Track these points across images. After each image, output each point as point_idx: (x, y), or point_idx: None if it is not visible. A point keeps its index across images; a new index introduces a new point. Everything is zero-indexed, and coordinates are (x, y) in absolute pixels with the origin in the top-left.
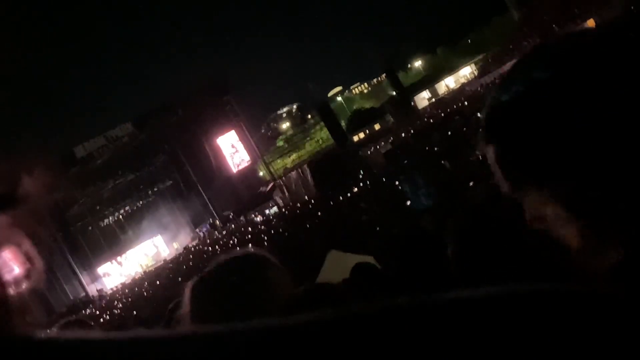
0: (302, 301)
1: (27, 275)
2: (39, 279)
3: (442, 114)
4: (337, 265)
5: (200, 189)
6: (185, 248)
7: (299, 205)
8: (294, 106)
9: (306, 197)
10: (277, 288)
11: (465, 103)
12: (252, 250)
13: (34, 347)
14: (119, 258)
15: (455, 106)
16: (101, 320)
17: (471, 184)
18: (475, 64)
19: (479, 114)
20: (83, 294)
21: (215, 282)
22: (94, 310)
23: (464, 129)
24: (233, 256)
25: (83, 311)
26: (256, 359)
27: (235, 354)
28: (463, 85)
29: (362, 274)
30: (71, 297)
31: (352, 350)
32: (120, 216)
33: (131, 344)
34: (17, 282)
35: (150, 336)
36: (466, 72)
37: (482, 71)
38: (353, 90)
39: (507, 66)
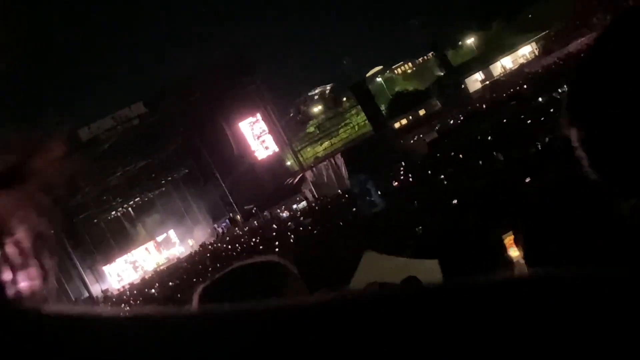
0: None
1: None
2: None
3: (497, 99)
4: (373, 268)
5: (219, 179)
6: (201, 245)
7: (330, 199)
8: (328, 87)
9: (339, 191)
10: (291, 297)
11: (525, 86)
12: (271, 258)
13: (39, 320)
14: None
15: (512, 90)
16: None
17: (528, 179)
18: (536, 42)
19: (540, 99)
20: (86, 294)
21: (225, 291)
22: None
23: (522, 116)
24: (248, 264)
25: None
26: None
27: (243, 334)
28: (522, 66)
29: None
30: (73, 298)
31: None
32: (129, 208)
33: (138, 321)
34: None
35: (157, 314)
36: (525, 51)
37: (544, 50)
38: (395, 71)
39: (574, 45)
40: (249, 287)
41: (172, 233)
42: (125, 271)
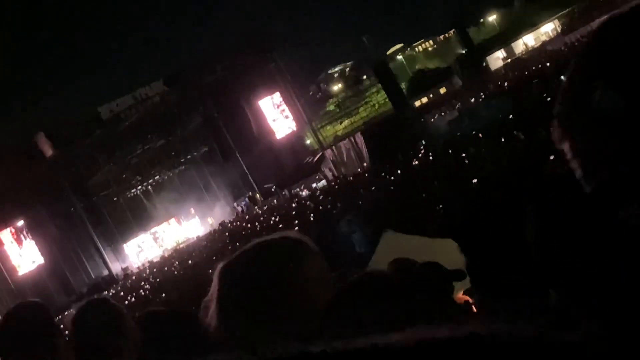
0: (353, 292)
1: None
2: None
3: (519, 77)
4: (393, 248)
5: (238, 157)
6: (220, 224)
7: (350, 178)
8: (348, 65)
9: (359, 170)
10: (313, 276)
11: (547, 64)
12: (289, 233)
13: None
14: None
15: (534, 68)
16: (126, 302)
17: (552, 157)
18: (559, 19)
19: (562, 77)
20: (106, 272)
21: (244, 269)
22: (118, 290)
23: (544, 94)
24: (267, 240)
25: (106, 292)
26: None
27: None
28: (544, 44)
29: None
30: (93, 276)
31: None
32: (149, 186)
33: None
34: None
35: None
36: (548, 28)
37: (567, 28)
38: (416, 48)
39: (597, 23)
40: (269, 265)
41: (192, 211)
42: (144, 242)
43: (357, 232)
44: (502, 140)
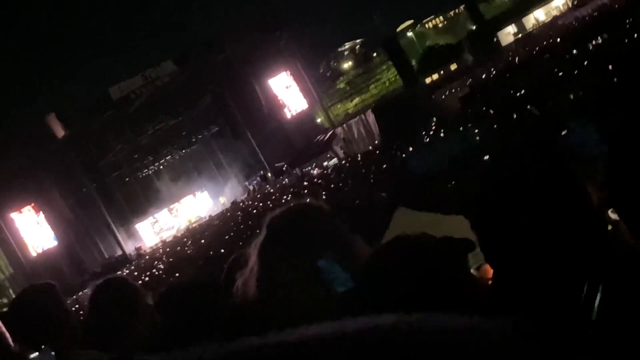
0: (391, 251)
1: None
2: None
3: (530, 52)
4: (406, 225)
5: (249, 136)
6: (233, 203)
7: (361, 156)
8: (358, 43)
9: (370, 148)
10: (343, 231)
11: (558, 40)
12: (309, 202)
13: None
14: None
15: (545, 43)
16: (140, 282)
17: (564, 132)
18: None
19: (574, 51)
20: (119, 252)
21: (284, 241)
22: (132, 270)
23: (556, 69)
24: (293, 209)
25: (119, 271)
26: None
27: None
28: (555, 19)
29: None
30: (106, 256)
31: None
32: (161, 166)
33: None
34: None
35: None
36: (559, 3)
37: (578, 2)
38: (426, 25)
39: None
40: (306, 233)
41: (203, 190)
42: (159, 214)
43: (337, 272)
44: (515, 115)
